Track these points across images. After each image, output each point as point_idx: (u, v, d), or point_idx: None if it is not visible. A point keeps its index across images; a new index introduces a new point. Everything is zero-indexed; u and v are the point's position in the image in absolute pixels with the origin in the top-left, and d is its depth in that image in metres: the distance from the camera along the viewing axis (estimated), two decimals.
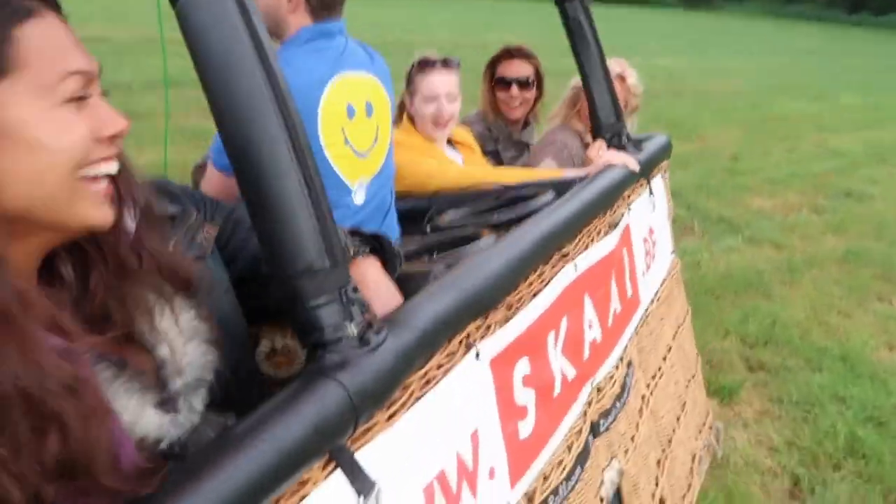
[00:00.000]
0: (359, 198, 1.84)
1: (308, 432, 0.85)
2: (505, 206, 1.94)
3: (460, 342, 1.21)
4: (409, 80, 2.35)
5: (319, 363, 0.94)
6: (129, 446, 0.78)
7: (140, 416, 0.83)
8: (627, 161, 2.12)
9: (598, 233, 1.87)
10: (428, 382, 1.11)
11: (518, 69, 2.87)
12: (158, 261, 0.95)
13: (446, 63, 2.34)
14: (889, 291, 4.95)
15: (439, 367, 1.14)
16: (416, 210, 2.07)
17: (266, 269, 0.99)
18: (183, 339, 0.95)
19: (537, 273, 1.50)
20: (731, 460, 2.95)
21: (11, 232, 0.78)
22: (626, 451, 1.85)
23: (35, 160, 0.75)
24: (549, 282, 1.53)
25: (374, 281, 1.18)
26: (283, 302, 0.99)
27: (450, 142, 2.51)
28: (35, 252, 0.84)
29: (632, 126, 2.80)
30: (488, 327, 1.30)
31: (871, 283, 5.07)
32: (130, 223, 0.92)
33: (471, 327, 1.24)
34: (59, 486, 0.70)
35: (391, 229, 1.94)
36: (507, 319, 1.35)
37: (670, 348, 2.39)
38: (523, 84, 2.86)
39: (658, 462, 2.09)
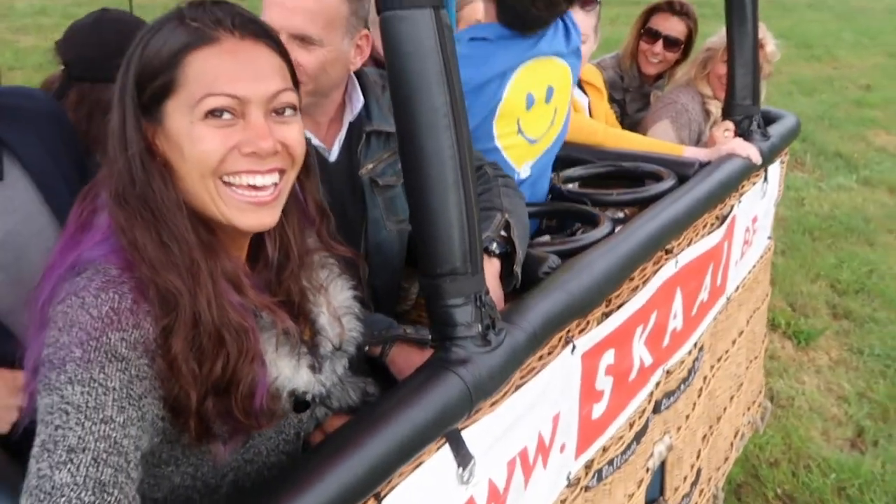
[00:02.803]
0: (524, 173, 1.92)
1: (433, 418, 1.03)
2: (625, 182, 2.00)
3: (560, 338, 1.35)
4: None
5: (447, 356, 1.11)
6: (264, 391, 0.97)
7: (296, 373, 1.04)
8: (752, 153, 2.11)
9: (705, 226, 1.93)
10: (528, 373, 1.27)
11: (672, 26, 2.78)
12: (331, 249, 1.16)
13: (583, 3, 2.31)
14: None
15: (540, 359, 1.30)
16: None
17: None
18: (339, 313, 1.14)
19: (640, 270, 1.60)
20: (796, 404, 3.00)
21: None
22: (678, 428, 2.01)
23: (184, 163, 0.92)
24: (649, 279, 1.63)
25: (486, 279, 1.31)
26: (425, 294, 1.15)
27: (579, 83, 2.52)
28: (234, 237, 1.01)
29: (763, 94, 2.73)
30: (587, 323, 1.43)
31: None
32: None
33: (572, 324, 1.37)
34: (215, 402, 0.92)
35: (541, 193, 2.02)
36: (605, 316, 1.48)
37: (742, 332, 2.48)
38: (672, 43, 2.78)
39: (704, 437, 2.25)
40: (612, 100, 2.80)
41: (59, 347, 0.83)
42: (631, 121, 2.89)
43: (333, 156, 1.46)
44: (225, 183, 0.93)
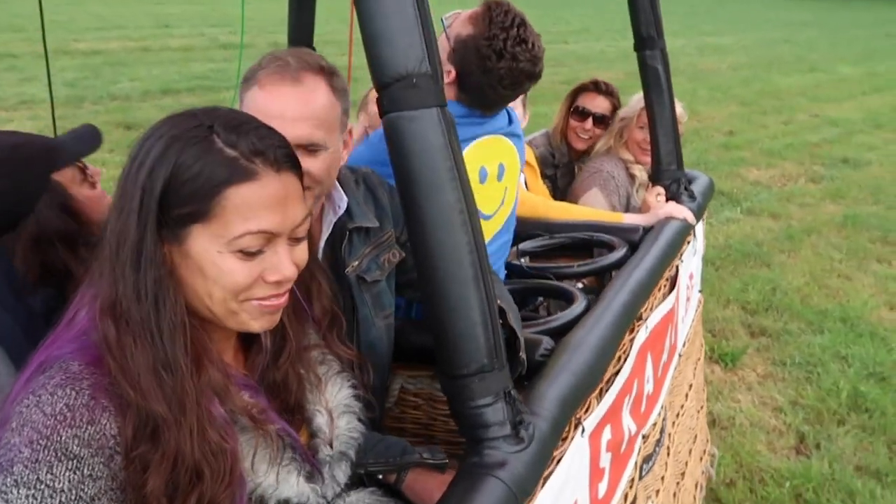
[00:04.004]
0: None
1: None
2: (571, 253, 2.04)
3: (571, 422, 1.33)
4: None
5: (483, 460, 1.05)
6: None
7: (285, 482, 0.98)
8: (687, 215, 2.23)
9: (660, 290, 2.00)
10: (552, 464, 1.23)
11: (599, 104, 2.95)
12: (333, 349, 1.12)
13: None
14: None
15: (557, 448, 1.26)
16: None
17: (437, 368, 1.09)
18: (336, 413, 1.09)
19: (622, 341, 1.62)
20: (737, 422, 3.13)
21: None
22: (657, 492, 2.01)
23: (203, 283, 0.92)
24: (629, 349, 1.65)
25: None
26: (448, 395, 1.10)
27: None
28: (228, 332, 1.00)
29: None
30: (589, 404, 1.41)
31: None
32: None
33: (579, 406, 1.36)
34: None
35: (500, 272, 2.02)
36: (602, 393, 1.47)
37: (691, 385, 2.55)
38: (599, 119, 2.94)
39: (674, 495, 2.27)
40: (544, 176, 2.90)
41: (9, 448, 0.80)
42: (562, 194, 2.99)
43: (319, 257, 1.41)
44: (245, 300, 0.93)
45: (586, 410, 1.39)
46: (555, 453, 1.23)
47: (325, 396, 1.09)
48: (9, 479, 0.78)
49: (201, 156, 0.87)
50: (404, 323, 1.66)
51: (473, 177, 1.86)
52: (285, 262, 0.94)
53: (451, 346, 1.07)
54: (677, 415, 2.35)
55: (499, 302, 1.41)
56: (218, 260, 0.89)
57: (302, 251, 0.99)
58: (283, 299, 0.98)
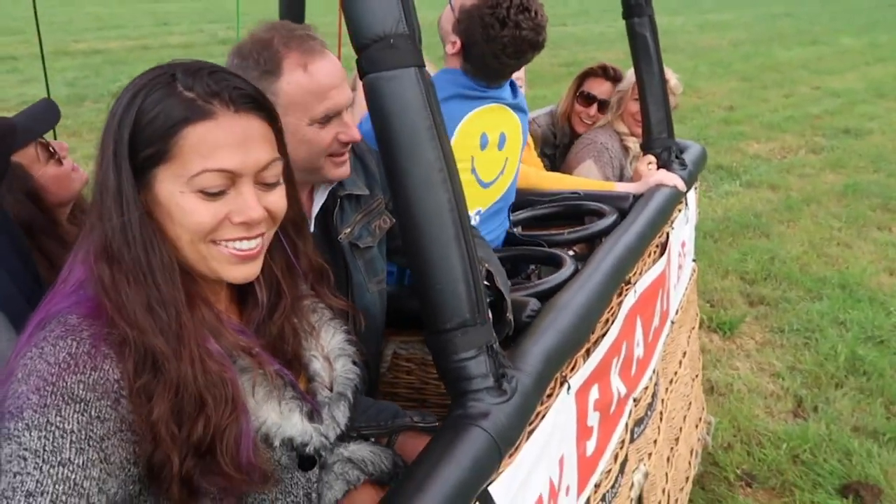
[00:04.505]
0: (472, 223, 1.92)
1: (469, 478, 1.00)
2: (563, 221, 2.06)
3: (557, 379, 1.36)
4: None
5: (467, 411, 1.08)
6: (249, 442, 0.94)
7: (288, 420, 1.00)
8: (677, 182, 2.24)
9: (650, 256, 2.02)
10: (536, 418, 1.26)
11: (606, 90, 2.95)
12: (325, 300, 1.15)
13: None
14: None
15: (542, 404, 1.29)
16: None
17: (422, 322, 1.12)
18: (332, 356, 1.12)
19: (610, 304, 1.64)
20: (735, 388, 3.16)
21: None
22: (649, 455, 2.05)
23: (173, 227, 0.93)
24: (617, 311, 1.68)
25: None
26: (432, 351, 1.13)
27: None
28: (222, 284, 1.02)
29: None
30: (575, 362, 1.44)
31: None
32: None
33: (565, 364, 1.38)
34: (197, 461, 0.90)
35: (496, 243, 2.03)
36: (588, 353, 1.50)
37: (685, 353, 2.58)
38: (604, 105, 2.94)
39: (668, 459, 2.30)
40: (543, 154, 2.91)
41: (17, 397, 0.83)
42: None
43: (311, 225, 1.43)
44: (214, 242, 0.95)
45: (572, 368, 1.42)
46: (539, 408, 1.26)
47: (320, 343, 1.11)
48: (20, 424, 0.81)
49: (161, 99, 0.90)
50: (396, 289, 1.69)
51: (474, 142, 1.88)
52: (251, 203, 0.93)
53: (434, 302, 1.09)
54: (671, 381, 2.39)
55: (486, 265, 1.44)
56: (181, 200, 0.91)
57: (277, 198, 0.98)
58: (255, 247, 0.96)
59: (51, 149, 1.60)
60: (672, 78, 2.95)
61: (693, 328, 2.79)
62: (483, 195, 1.97)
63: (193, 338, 0.91)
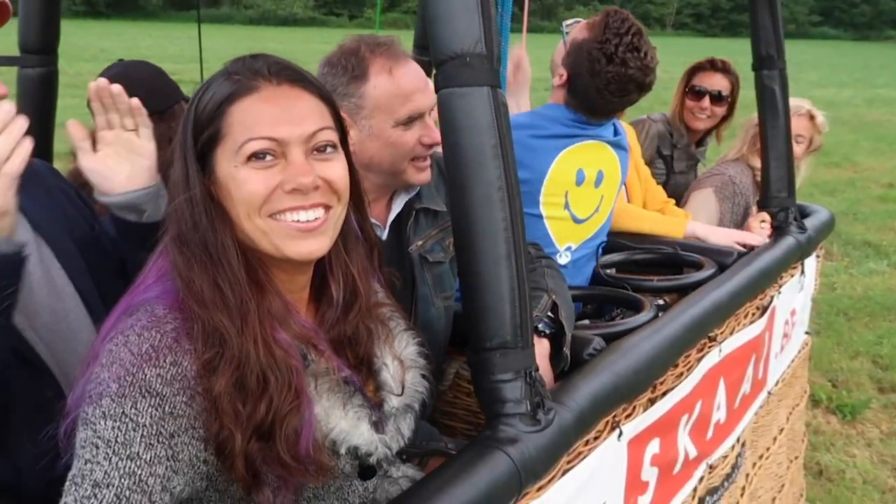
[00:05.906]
0: (562, 259, 1.92)
1: (479, 500, 0.98)
2: (663, 270, 1.98)
3: (607, 423, 1.30)
4: None
5: (495, 434, 1.07)
6: (310, 434, 0.94)
7: (356, 429, 1.01)
8: (756, 243, 2.11)
9: (746, 317, 1.90)
10: (575, 458, 1.21)
11: (716, 82, 2.84)
12: (398, 306, 1.17)
13: None
14: None
15: (587, 444, 1.25)
16: None
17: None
18: (403, 367, 1.12)
19: (684, 357, 1.56)
20: (848, 476, 2.89)
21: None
22: None
23: (233, 206, 0.96)
24: (693, 366, 1.59)
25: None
26: (472, 369, 1.12)
27: None
28: (293, 273, 1.03)
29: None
30: (633, 409, 1.38)
31: None
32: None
33: (619, 409, 1.33)
34: (259, 445, 0.91)
35: (584, 281, 2.00)
36: (650, 402, 1.43)
37: (782, 430, 2.39)
38: (716, 98, 2.83)
39: None
40: (659, 154, 2.83)
41: (99, 383, 0.86)
42: (675, 180, 2.91)
43: (385, 233, 1.48)
44: (272, 217, 0.96)
45: (628, 415, 1.36)
46: (581, 447, 1.22)
47: (392, 352, 1.11)
48: (98, 411, 0.84)
49: (211, 86, 0.97)
50: None
51: (570, 178, 1.86)
52: (301, 170, 0.94)
53: (479, 319, 1.09)
54: (760, 456, 2.21)
55: (554, 296, 1.41)
56: (235, 174, 0.94)
57: (334, 168, 0.97)
58: (315, 220, 0.96)
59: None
60: (818, 115, 2.78)
61: (797, 405, 2.57)
62: (576, 231, 1.94)
63: (257, 319, 0.93)
